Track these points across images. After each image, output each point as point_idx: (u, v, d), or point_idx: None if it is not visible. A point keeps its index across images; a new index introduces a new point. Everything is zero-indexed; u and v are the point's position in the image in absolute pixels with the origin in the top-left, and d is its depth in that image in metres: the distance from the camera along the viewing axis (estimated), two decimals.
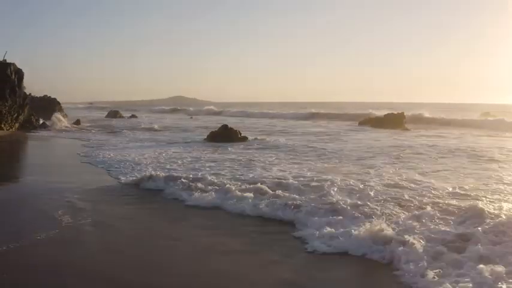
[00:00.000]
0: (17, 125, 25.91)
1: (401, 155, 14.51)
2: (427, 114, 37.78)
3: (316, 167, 12.31)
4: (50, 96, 47.10)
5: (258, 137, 21.01)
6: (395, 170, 11.59)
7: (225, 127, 19.88)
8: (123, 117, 47.73)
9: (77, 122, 32.55)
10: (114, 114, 48.87)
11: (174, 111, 71.21)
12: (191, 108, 71.14)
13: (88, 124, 32.80)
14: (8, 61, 25.92)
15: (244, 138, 19.66)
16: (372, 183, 9.56)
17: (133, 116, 45.65)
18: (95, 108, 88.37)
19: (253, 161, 13.54)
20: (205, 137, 20.28)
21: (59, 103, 46.77)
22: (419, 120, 34.41)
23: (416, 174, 11.02)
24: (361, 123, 33.27)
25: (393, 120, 31.71)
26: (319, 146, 17.86)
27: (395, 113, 32.92)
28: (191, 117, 52.51)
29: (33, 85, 44.31)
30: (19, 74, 26.58)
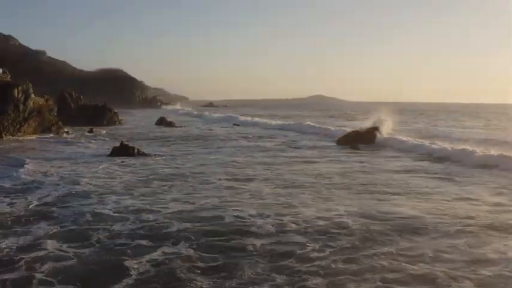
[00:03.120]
0: (19, 134, 34.23)
1: None
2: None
3: None
4: (102, 104, 56.82)
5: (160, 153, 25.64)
6: None
7: (121, 143, 24.93)
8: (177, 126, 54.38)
9: (90, 131, 40.26)
10: (160, 121, 56.41)
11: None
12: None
13: (97, 132, 40.38)
14: None
15: (137, 153, 24.37)
16: None
17: (168, 125, 52.55)
18: (198, 110, 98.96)
19: None
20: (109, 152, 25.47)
21: (110, 110, 56.20)
22: None
23: None
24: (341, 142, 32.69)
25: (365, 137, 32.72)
26: None
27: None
28: (232, 126, 57.56)
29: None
30: (26, 93, 35.11)
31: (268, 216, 12.10)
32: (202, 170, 20.27)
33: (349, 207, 13.10)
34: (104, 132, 42.49)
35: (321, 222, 11.44)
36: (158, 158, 24.11)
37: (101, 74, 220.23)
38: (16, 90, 34.18)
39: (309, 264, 8.67)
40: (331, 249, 9.45)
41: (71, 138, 35.96)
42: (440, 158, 23.11)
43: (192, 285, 7.80)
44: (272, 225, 11.18)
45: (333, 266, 8.60)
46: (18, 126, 34.17)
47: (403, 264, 8.68)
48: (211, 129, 49.12)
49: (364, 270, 8.39)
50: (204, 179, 17.90)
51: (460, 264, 8.67)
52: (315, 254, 9.19)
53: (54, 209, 12.93)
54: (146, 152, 25.40)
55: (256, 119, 62.89)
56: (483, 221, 11.64)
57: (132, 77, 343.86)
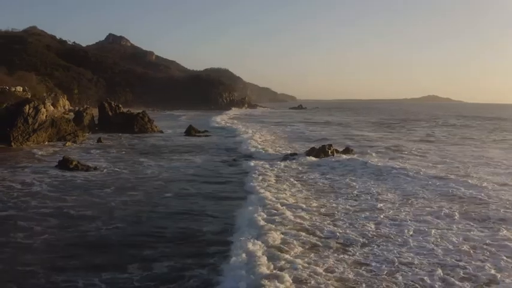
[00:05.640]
0: (29, 142, 42.41)
1: None
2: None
3: None
4: (137, 113, 64.32)
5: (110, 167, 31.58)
6: None
7: (63, 158, 31.25)
8: (197, 134, 60.11)
9: (99, 140, 47.70)
10: (188, 130, 62.24)
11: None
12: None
13: (109, 142, 47.69)
14: None
15: (76, 167, 30.52)
16: None
17: (190, 134, 58.35)
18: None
19: None
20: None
21: (143, 118, 63.59)
22: None
23: None
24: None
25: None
26: None
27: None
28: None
29: None
30: (37, 108, 43.31)
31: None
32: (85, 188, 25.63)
33: None
34: (117, 141, 49.77)
35: None
36: (87, 173, 29.83)
37: (205, 73, 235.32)
38: (27, 107, 42.53)
39: None
40: None
41: (56, 149, 42.95)
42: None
43: None
44: None
45: None
46: (27, 136, 42.37)
47: None
48: (220, 138, 54.44)
49: None
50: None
51: None
52: None
53: None
54: (88, 165, 31.38)
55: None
56: None
57: (237, 77, 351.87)
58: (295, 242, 14.42)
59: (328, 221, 17.03)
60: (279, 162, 32.02)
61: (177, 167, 33.13)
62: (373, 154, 36.24)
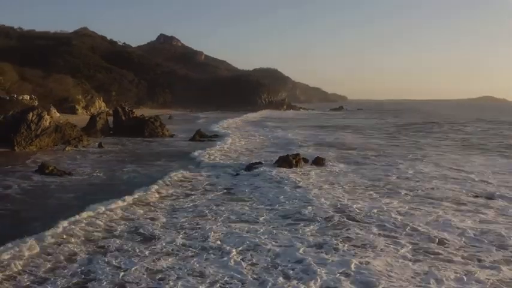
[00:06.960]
0: (32, 147, 46.74)
1: None
2: None
3: None
4: (145, 117, 68.05)
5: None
6: None
7: (42, 163, 34.89)
8: (201, 139, 62.76)
9: (100, 145, 51.52)
10: (194, 136, 64.81)
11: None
12: None
13: (110, 147, 51.38)
14: None
15: (52, 172, 34.08)
16: None
17: (194, 139, 61.16)
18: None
19: None
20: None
21: (153, 123, 67.11)
22: None
23: None
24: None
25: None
26: None
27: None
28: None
29: None
30: (40, 115, 47.62)
31: None
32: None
33: None
34: (120, 146, 53.46)
35: None
36: (62, 178, 33.08)
37: (253, 73, 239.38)
38: (31, 114, 46.90)
39: None
40: None
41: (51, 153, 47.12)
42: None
43: None
44: None
45: None
46: (29, 141, 46.70)
47: None
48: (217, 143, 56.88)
49: None
50: None
51: None
52: None
53: None
54: (63, 171, 34.69)
55: None
56: None
57: (286, 77, 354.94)
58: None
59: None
60: (229, 171, 34.60)
61: (150, 173, 35.62)
62: (339, 166, 37.56)
